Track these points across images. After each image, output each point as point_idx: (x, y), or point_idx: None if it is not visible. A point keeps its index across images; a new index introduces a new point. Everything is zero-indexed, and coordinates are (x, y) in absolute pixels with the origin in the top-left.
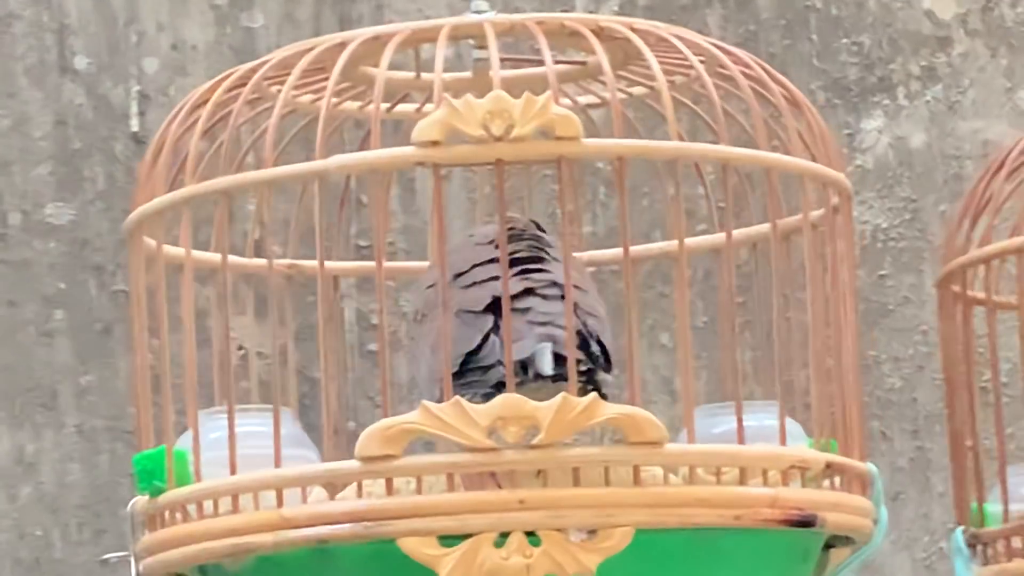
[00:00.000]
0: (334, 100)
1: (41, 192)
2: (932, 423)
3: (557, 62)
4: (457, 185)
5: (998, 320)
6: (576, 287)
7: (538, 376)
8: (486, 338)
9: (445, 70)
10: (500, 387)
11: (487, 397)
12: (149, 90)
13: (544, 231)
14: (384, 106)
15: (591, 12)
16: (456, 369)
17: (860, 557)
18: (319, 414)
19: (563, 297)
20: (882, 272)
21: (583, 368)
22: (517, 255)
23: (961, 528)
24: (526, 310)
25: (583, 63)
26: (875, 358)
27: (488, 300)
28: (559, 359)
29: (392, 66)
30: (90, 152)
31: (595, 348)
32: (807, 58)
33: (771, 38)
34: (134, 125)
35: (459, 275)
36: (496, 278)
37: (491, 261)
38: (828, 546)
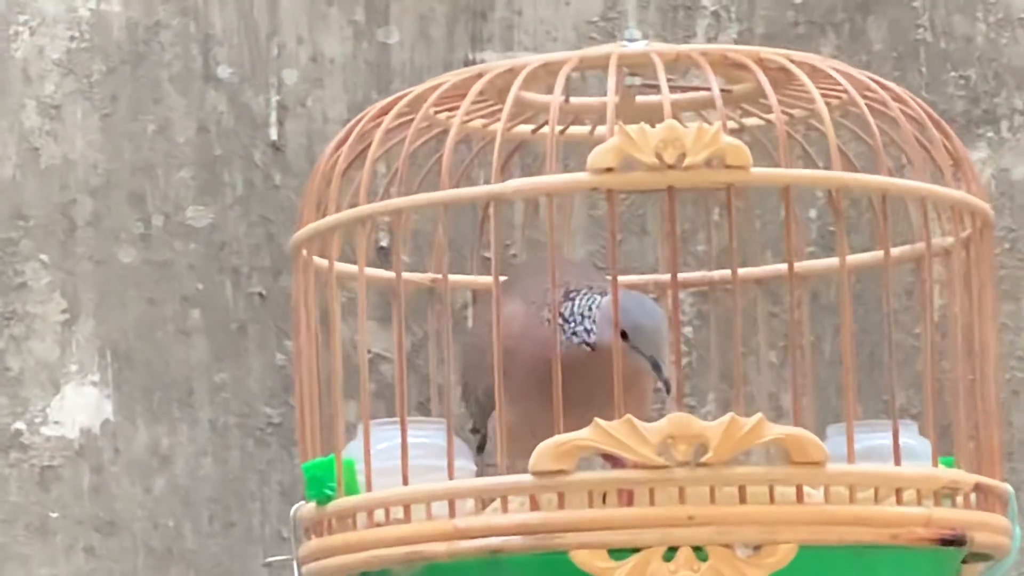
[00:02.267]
0: (502, 123)
1: (182, 196)
2: None
3: (703, 89)
4: (579, 201)
5: None
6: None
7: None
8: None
9: (576, 93)
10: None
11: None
12: (288, 100)
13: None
14: (557, 128)
15: (711, 39)
16: None
17: (999, 572)
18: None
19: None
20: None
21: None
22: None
23: None
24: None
25: (730, 91)
26: (973, 381)
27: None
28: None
29: (534, 89)
30: (230, 159)
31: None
32: (916, 89)
33: (883, 69)
34: (273, 134)
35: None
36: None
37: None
38: (964, 561)
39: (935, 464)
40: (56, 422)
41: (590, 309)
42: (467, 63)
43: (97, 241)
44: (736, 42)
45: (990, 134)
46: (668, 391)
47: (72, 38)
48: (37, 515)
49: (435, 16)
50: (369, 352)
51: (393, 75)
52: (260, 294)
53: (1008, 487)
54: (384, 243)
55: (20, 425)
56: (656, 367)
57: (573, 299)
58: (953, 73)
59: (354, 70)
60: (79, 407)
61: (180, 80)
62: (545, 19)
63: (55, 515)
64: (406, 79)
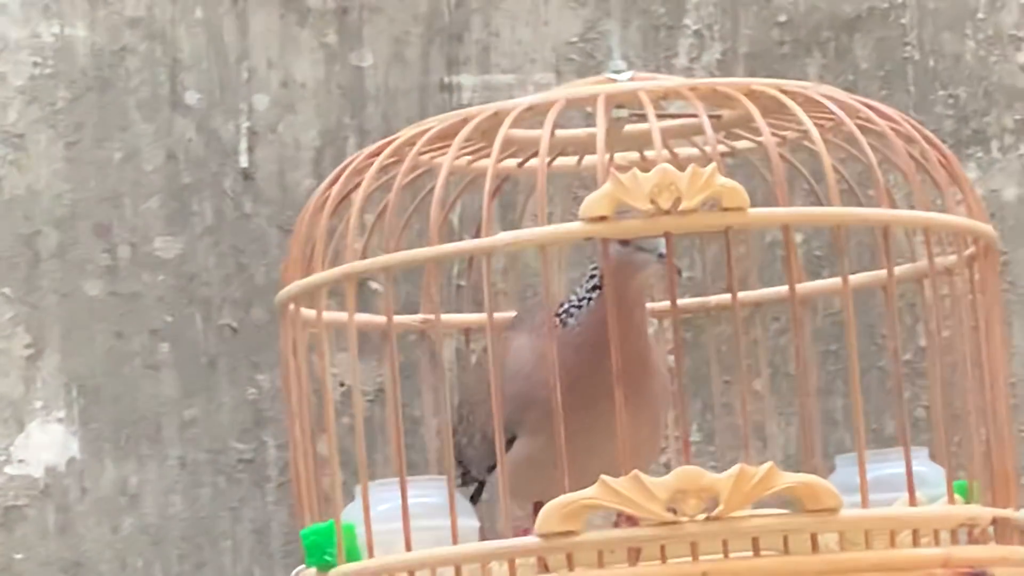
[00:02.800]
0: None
1: (150, 226)
2: (1018, 473)
3: (691, 116)
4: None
5: None
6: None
7: None
8: None
9: (559, 126)
10: None
11: None
12: (258, 126)
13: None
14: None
15: (694, 59)
16: None
17: None
18: (418, 450)
19: None
20: (973, 324)
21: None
22: None
23: None
24: None
25: (719, 117)
26: (963, 409)
27: None
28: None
29: (523, 125)
30: (199, 187)
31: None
32: (904, 109)
33: (869, 88)
34: (243, 161)
35: None
36: None
37: None
38: None
39: (951, 497)
40: (20, 460)
41: (588, 280)
42: (443, 86)
43: (62, 273)
44: (719, 62)
45: (980, 154)
46: (680, 274)
47: (35, 64)
48: (1, 557)
49: (410, 38)
50: (343, 385)
51: (367, 99)
52: (231, 327)
53: None
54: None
55: None
56: (661, 255)
57: (569, 300)
58: (942, 92)
59: (327, 94)
60: (44, 445)
61: (147, 107)
62: (523, 40)
63: (19, 556)
64: (380, 103)
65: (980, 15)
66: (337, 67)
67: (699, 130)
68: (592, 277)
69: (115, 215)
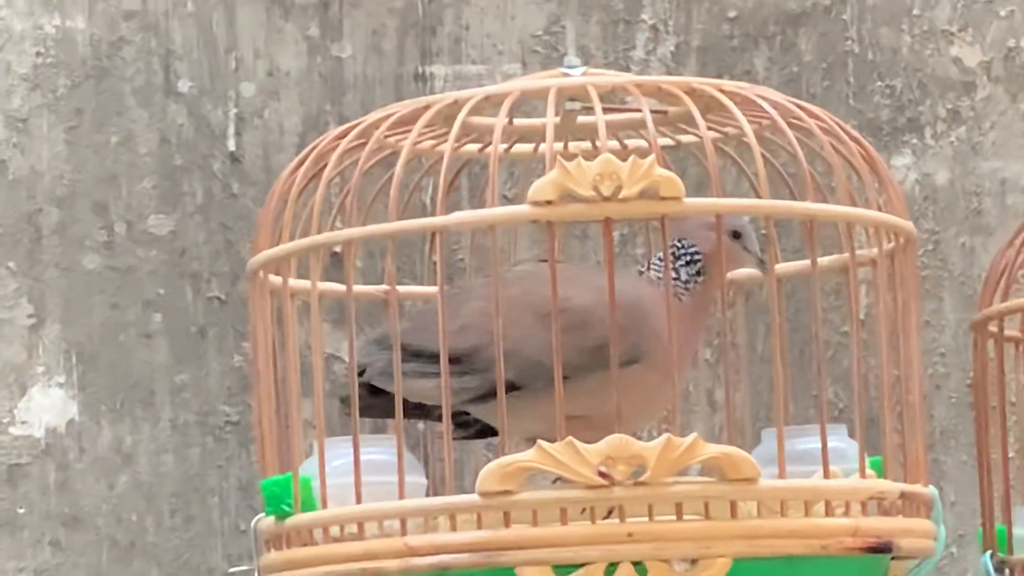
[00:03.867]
0: (429, 143)
1: (144, 205)
2: (947, 438)
3: (636, 111)
4: None
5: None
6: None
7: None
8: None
9: (525, 115)
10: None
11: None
12: (245, 113)
13: None
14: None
15: (650, 51)
16: None
17: (922, 571)
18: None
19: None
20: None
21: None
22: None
23: (989, 552)
24: None
25: (664, 112)
26: (898, 377)
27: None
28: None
29: (484, 113)
30: (190, 169)
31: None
32: (844, 98)
33: (812, 79)
34: (231, 145)
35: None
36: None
37: None
38: (893, 558)
39: (863, 472)
40: (23, 422)
41: (680, 249)
42: (417, 76)
43: (63, 249)
44: (673, 54)
45: (914, 141)
46: (764, 270)
47: (38, 54)
48: (5, 511)
49: (386, 31)
50: (325, 352)
51: (347, 88)
52: (219, 298)
53: (933, 491)
54: (337, 249)
55: None
56: (760, 261)
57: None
58: (879, 83)
59: (309, 83)
60: (45, 407)
61: (142, 94)
62: (492, 33)
63: (22, 511)
64: (359, 91)
65: (915, 11)
66: (319, 58)
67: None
68: (695, 262)
69: (112, 194)
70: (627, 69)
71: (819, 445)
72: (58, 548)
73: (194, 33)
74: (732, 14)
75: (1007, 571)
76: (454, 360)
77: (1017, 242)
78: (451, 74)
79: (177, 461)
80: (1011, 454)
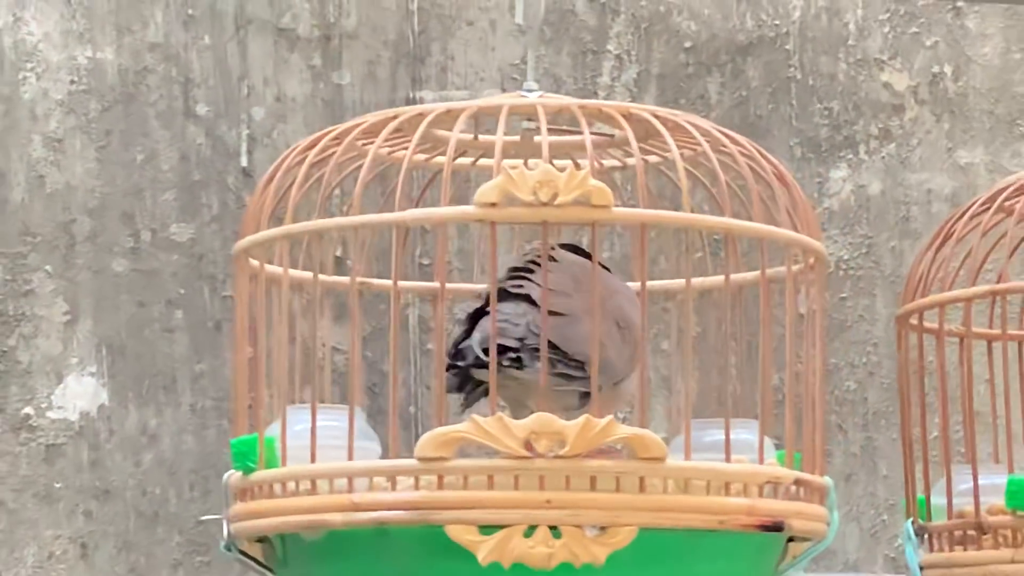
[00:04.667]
0: (418, 156)
1: (167, 215)
2: (879, 419)
3: (593, 134)
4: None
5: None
6: (555, 293)
7: (475, 364)
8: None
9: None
10: (452, 370)
11: (455, 386)
12: (256, 133)
13: (584, 253)
14: (469, 160)
15: (615, 78)
16: (449, 358)
17: (813, 552)
18: (386, 400)
19: (527, 298)
20: (843, 295)
21: (512, 356)
22: (519, 267)
23: (911, 520)
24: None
25: (611, 136)
26: (835, 365)
27: (471, 309)
28: (505, 349)
29: (446, 128)
30: (207, 183)
31: (531, 341)
32: (788, 119)
33: (759, 102)
34: (243, 162)
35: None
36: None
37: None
38: (789, 539)
39: (761, 460)
40: (60, 407)
41: None
42: (408, 100)
43: (94, 254)
44: (635, 80)
45: (850, 156)
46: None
47: (72, 82)
48: (44, 485)
49: (381, 61)
50: (324, 345)
51: (346, 111)
52: (232, 297)
53: (828, 480)
54: (338, 252)
55: (29, 410)
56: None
57: None
58: (819, 105)
59: (312, 107)
60: (79, 394)
61: (164, 117)
62: (474, 63)
63: (59, 485)
64: (357, 114)
65: (851, 42)
66: (321, 85)
67: (599, 144)
68: None
69: (138, 206)
70: (594, 94)
71: (734, 437)
72: (90, 518)
73: (210, 63)
74: (688, 44)
75: (925, 536)
76: (577, 363)
77: (935, 246)
78: (438, 98)
79: (196, 441)
80: (934, 433)
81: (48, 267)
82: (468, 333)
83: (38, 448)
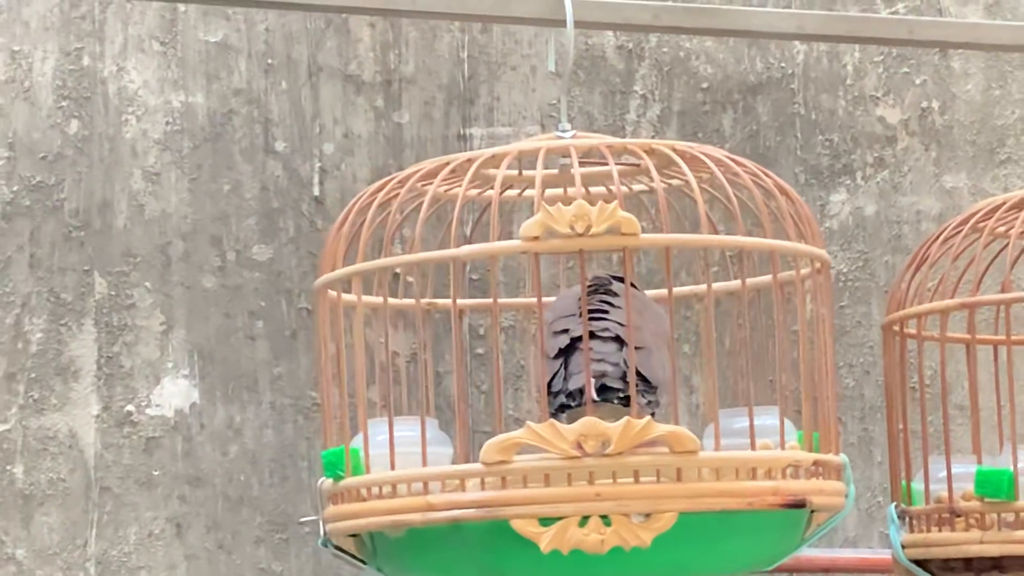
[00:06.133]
0: (472, 192)
1: (249, 237)
2: (875, 412)
3: (619, 163)
4: None
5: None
6: (627, 327)
7: (589, 400)
8: (555, 374)
9: (549, 165)
10: (563, 408)
11: (559, 412)
12: (327, 166)
13: (620, 280)
14: (515, 192)
15: (641, 115)
16: (564, 396)
17: (835, 521)
18: (442, 397)
19: (616, 339)
20: (842, 304)
21: (621, 395)
22: (591, 307)
23: (894, 503)
24: (588, 350)
25: (638, 164)
26: (835, 365)
27: (560, 346)
28: (605, 388)
29: (489, 167)
30: (284, 209)
31: (631, 378)
32: (793, 150)
33: (767, 135)
34: (315, 191)
35: (552, 322)
36: (567, 330)
37: (571, 315)
38: (812, 511)
39: (783, 445)
40: (157, 405)
41: None
42: (459, 136)
43: (187, 272)
44: (659, 117)
45: (848, 182)
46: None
47: (167, 123)
48: (144, 473)
49: (436, 102)
50: (396, 352)
51: (405, 146)
52: (307, 309)
53: (843, 458)
54: (397, 271)
55: (131, 408)
56: (579, 393)
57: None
58: (821, 137)
59: (375, 143)
60: (174, 394)
61: (247, 153)
62: (517, 103)
63: (157, 473)
64: (415, 149)
65: (848, 81)
66: (383, 123)
67: (627, 173)
68: None
69: (224, 230)
70: (622, 130)
71: (757, 423)
72: (184, 501)
73: (287, 106)
74: (705, 85)
75: (907, 518)
76: (649, 384)
77: (915, 263)
78: (486, 135)
79: (275, 434)
80: (918, 427)
81: (147, 283)
82: (564, 366)
83: (139, 441)
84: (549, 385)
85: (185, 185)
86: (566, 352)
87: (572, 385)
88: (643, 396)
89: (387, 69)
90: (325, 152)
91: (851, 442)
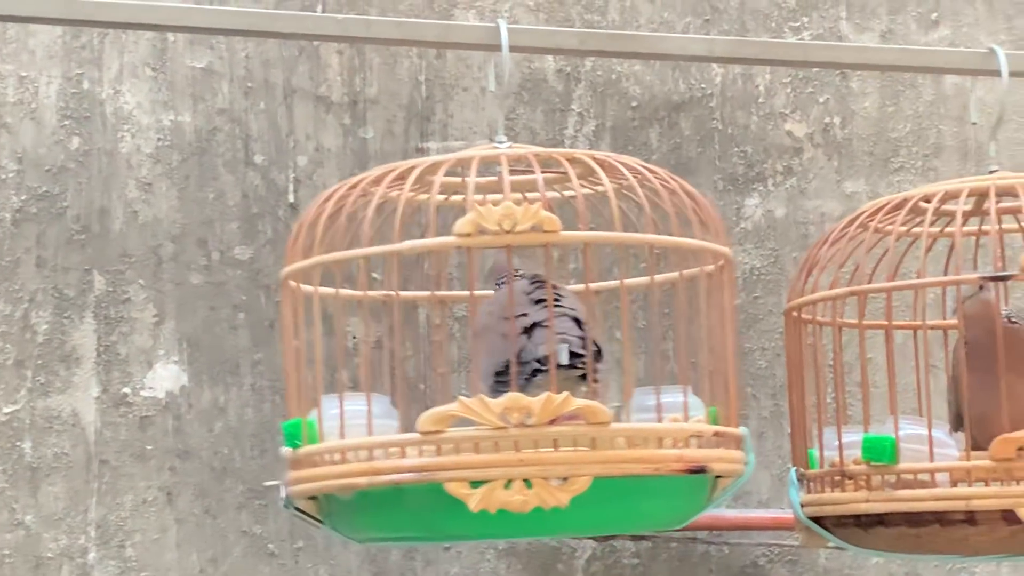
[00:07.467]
0: (410, 194)
1: (232, 239)
2: (784, 389)
3: (545, 171)
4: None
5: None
6: (575, 311)
7: (558, 366)
8: (522, 348)
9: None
10: (535, 372)
11: (532, 377)
12: (300, 176)
13: (543, 280)
14: (440, 197)
15: (578, 130)
16: (500, 370)
17: (736, 485)
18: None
19: (574, 319)
20: (756, 295)
21: (584, 362)
22: (543, 298)
23: (794, 468)
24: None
25: (563, 172)
26: (750, 348)
27: (524, 327)
28: (574, 355)
29: (447, 173)
30: (263, 215)
31: (592, 347)
32: (712, 160)
33: (690, 147)
34: (291, 198)
35: (500, 312)
36: (525, 315)
37: (524, 304)
38: (717, 477)
39: (686, 419)
40: (150, 387)
41: None
42: (418, 150)
43: (176, 270)
44: (594, 131)
45: (761, 188)
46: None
47: (159, 139)
48: (139, 447)
49: (397, 119)
50: (355, 337)
51: (370, 159)
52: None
53: (743, 430)
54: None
55: (127, 390)
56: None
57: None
58: (736, 149)
59: (344, 156)
60: (165, 377)
61: (230, 165)
62: (468, 120)
63: (150, 447)
64: (378, 161)
65: (760, 99)
66: (350, 138)
67: (556, 180)
68: None
69: (209, 233)
70: (561, 143)
71: (667, 399)
72: (174, 472)
73: (265, 124)
74: (634, 104)
75: (805, 480)
76: (601, 356)
77: (807, 267)
78: (441, 148)
79: (255, 412)
80: (817, 400)
81: (141, 280)
82: (530, 340)
83: (134, 419)
84: (518, 357)
85: (175, 194)
86: (530, 331)
87: (541, 352)
88: (598, 366)
89: (353, 91)
90: (299, 164)
91: (764, 416)
